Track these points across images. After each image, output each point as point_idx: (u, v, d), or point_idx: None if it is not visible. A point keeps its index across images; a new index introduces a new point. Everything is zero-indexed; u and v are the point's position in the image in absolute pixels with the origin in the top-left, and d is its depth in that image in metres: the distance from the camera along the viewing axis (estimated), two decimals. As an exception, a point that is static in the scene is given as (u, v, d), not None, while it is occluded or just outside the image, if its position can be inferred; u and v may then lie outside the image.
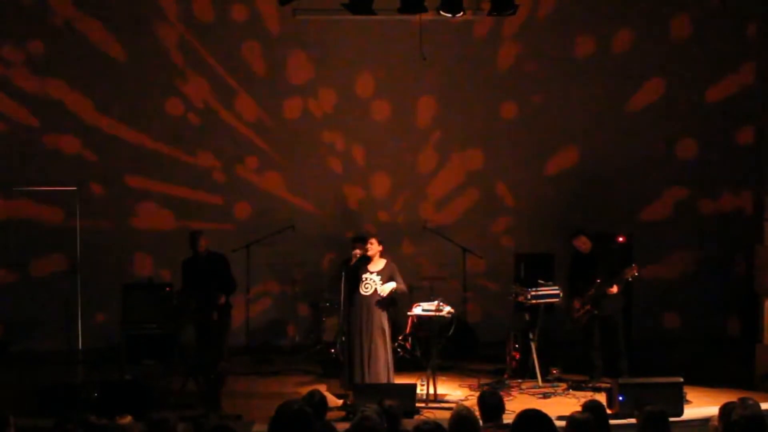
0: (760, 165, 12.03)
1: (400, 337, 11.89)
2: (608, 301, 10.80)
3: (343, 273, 10.38)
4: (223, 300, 10.55)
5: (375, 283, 10.15)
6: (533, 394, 10.45)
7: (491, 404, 6.39)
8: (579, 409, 6.59)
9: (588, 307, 10.81)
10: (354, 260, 10.32)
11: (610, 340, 10.92)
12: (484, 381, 11.02)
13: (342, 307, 10.44)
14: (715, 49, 13.57)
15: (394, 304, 10.55)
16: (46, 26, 12.98)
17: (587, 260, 10.97)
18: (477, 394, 10.30)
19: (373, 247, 10.25)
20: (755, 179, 12.46)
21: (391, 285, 10.14)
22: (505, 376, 11.16)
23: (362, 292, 10.20)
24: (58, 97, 13.09)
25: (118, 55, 13.12)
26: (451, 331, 11.98)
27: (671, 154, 13.73)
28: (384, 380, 10.08)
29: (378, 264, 10.28)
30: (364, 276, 10.21)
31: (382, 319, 10.20)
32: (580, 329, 11.05)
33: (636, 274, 10.83)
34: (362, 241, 10.69)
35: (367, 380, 10.02)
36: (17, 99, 13.05)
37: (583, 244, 11.01)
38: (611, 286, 10.69)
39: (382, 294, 10.12)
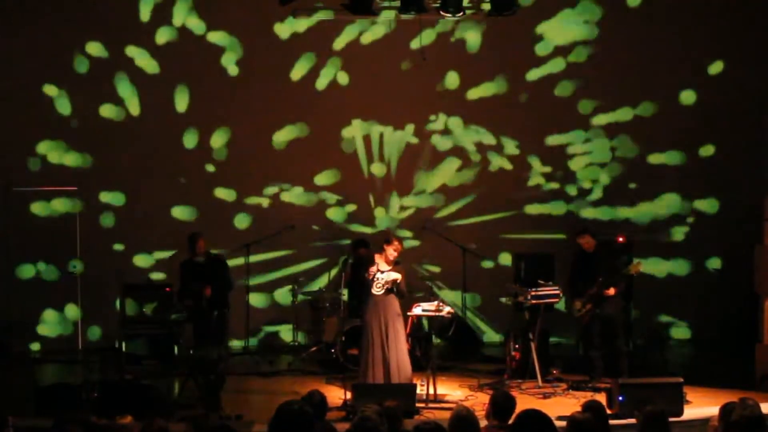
0: (760, 165, 12.02)
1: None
2: (610, 301, 10.80)
3: (342, 272, 10.43)
4: (208, 291, 10.46)
5: (383, 282, 10.26)
6: (533, 394, 10.44)
7: (502, 406, 6.36)
8: (579, 409, 6.59)
9: (589, 306, 10.81)
10: (394, 258, 10.33)
11: (610, 340, 10.91)
12: (484, 381, 11.02)
13: (342, 306, 10.51)
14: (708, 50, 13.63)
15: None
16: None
17: (590, 259, 10.97)
18: (477, 394, 10.48)
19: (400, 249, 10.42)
20: (755, 179, 12.42)
21: (396, 275, 10.20)
22: (505, 376, 11.14)
23: (375, 292, 10.27)
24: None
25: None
26: (451, 331, 12.00)
27: (671, 154, 13.74)
28: (409, 370, 10.15)
29: (389, 264, 10.37)
30: (376, 276, 10.28)
31: (398, 308, 10.28)
32: (581, 329, 11.06)
33: (640, 270, 10.85)
34: (364, 244, 10.71)
35: (394, 372, 10.07)
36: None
37: (586, 243, 11.01)
38: (609, 288, 10.70)
39: (386, 279, 10.16)
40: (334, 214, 13.58)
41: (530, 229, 13.57)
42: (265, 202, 13.50)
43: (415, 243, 13.51)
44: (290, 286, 12.83)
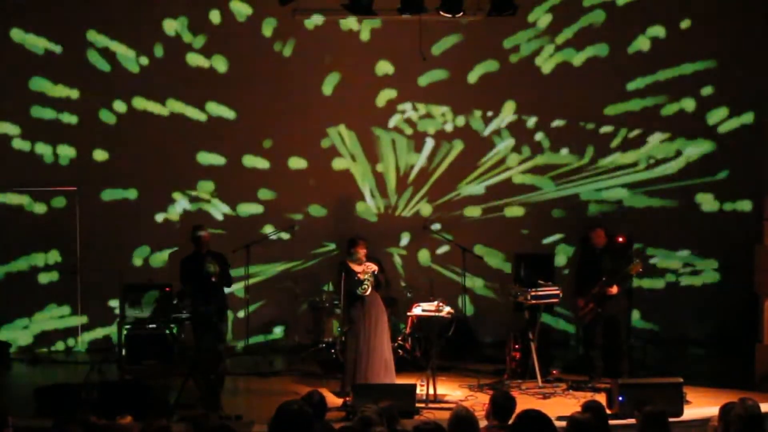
0: (759, 165, 12.02)
1: (399, 338, 11.90)
2: (612, 301, 10.81)
3: (343, 273, 10.46)
4: (217, 271, 10.48)
5: (368, 282, 10.36)
6: (533, 394, 10.45)
7: (502, 406, 6.36)
8: (579, 409, 6.60)
9: (591, 305, 10.81)
10: (362, 261, 10.45)
11: (612, 340, 10.91)
12: (484, 381, 11.02)
13: (342, 306, 10.57)
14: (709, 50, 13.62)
15: (393, 304, 10.66)
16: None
17: (596, 257, 10.97)
18: (477, 394, 10.48)
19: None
20: (755, 180, 12.46)
21: (373, 266, 10.42)
22: (505, 376, 11.15)
23: (361, 293, 10.37)
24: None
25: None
26: (451, 331, 12.00)
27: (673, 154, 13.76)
28: (384, 374, 10.21)
29: (363, 265, 10.50)
30: (364, 279, 10.38)
31: (382, 305, 10.47)
32: (583, 328, 11.07)
33: (640, 270, 10.87)
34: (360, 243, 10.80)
35: (379, 360, 10.19)
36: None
37: (597, 237, 11.02)
38: (611, 286, 10.70)
39: (368, 275, 10.30)
40: (334, 213, 13.58)
41: (530, 228, 13.61)
42: (261, 203, 13.50)
43: (415, 243, 13.55)
44: (291, 286, 12.82)
